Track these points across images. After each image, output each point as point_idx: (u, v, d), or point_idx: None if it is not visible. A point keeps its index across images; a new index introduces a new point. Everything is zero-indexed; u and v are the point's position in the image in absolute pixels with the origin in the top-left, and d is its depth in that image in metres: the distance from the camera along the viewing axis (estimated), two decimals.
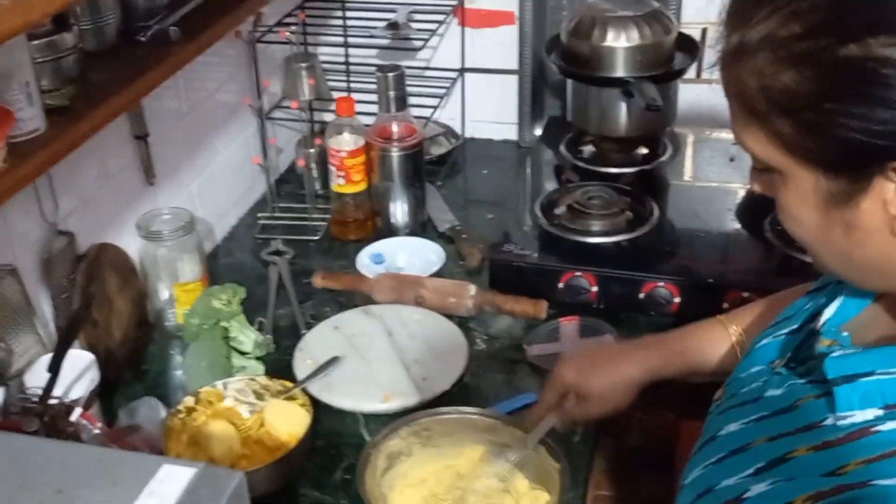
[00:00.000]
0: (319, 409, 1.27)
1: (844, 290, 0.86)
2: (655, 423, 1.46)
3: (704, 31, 1.84)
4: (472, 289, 1.49)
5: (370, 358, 1.38)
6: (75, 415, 1.04)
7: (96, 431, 1.06)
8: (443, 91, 1.96)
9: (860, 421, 0.74)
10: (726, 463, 0.83)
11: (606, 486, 1.36)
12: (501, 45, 1.94)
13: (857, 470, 0.71)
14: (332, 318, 1.48)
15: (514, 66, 1.93)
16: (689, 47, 1.70)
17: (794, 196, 0.76)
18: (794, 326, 0.91)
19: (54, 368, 1.07)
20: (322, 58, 1.92)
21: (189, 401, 1.23)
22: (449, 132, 2.03)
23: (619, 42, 1.60)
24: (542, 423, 1.15)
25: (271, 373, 1.34)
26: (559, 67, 1.69)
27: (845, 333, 0.82)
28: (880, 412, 0.73)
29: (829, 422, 0.76)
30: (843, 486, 0.70)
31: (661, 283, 1.42)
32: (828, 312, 0.85)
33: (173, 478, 0.77)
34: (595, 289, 1.46)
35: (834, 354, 0.78)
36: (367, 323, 1.46)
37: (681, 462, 1.48)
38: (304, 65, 1.77)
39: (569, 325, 1.43)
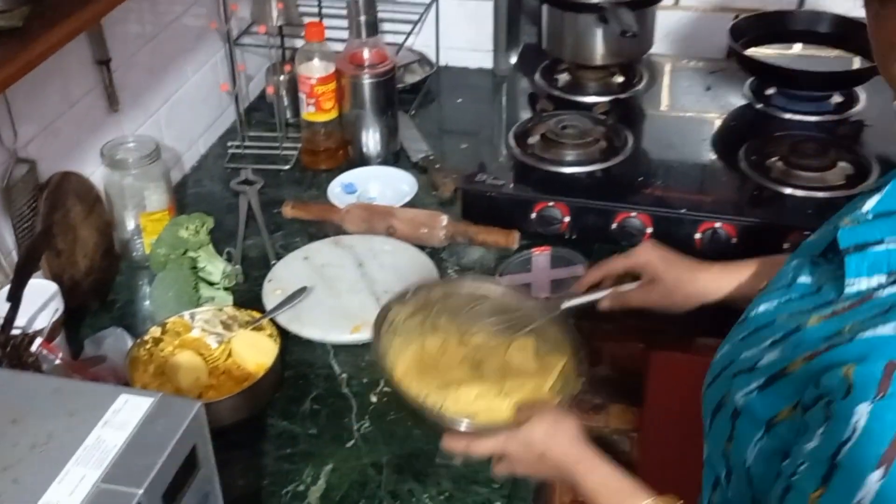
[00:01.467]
0: (288, 339, 1.26)
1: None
2: (625, 352, 1.46)
3: None
4: (444, 219, 1.47)
5: (340, 288, 1.37)
6: (35, 345, 1.02)
7: (57, 362, 1.04)
8: (416, 17, 1.91)
9: (865, 288, 0.79)
10: (749, 339, 0.90)
11: (577, 417, 1.36)
12: None
13: (852, 329, 0.76)
14: (303, 248, 1.46)
15: None
16: None
17: None
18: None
19: (14, 297, 1.05)
20: None
21: (156, 331, 1.21)
22: (423, 60, 1.99)
23: None
24: (584, 296, 1.19)
25: (240, 303, 1.33)
26: None
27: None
28: (884, 279, 0.78)
29: (840, 294, 0.81)
30: (834, 343, 0.76)
31: (634, 214, 1.41)
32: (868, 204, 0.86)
33: (130, 408, 0.77)
34: (567, 219, 1.44)
35: (846, 226, 0.82)
36: (338, 253, 1.44)
37: (650, 392, 1.49)
38: None
39: (540, 255, 1.42)
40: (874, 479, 0.69)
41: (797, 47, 1.75)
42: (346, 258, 1.43)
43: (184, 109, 1.67)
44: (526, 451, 1.01)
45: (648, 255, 1.19)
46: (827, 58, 1.72)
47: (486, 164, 1.55)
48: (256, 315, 1.25)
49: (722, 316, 1.37)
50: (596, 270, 1.23)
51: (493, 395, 1.09)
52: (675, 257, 1.19)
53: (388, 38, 1.93)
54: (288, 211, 1.54)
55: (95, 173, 1.42)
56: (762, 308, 0.93)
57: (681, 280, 1.17)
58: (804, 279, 0.91)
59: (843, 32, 1.69)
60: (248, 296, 1.37)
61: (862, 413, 0.70)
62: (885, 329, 0.73)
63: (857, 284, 0.80)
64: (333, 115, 1.65)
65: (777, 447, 0.82)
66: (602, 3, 1.56)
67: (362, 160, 1.68)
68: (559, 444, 1.00)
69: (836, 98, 1.62)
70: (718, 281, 1.16)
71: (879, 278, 0.79)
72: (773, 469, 0.81)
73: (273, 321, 1.25)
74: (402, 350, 1.14)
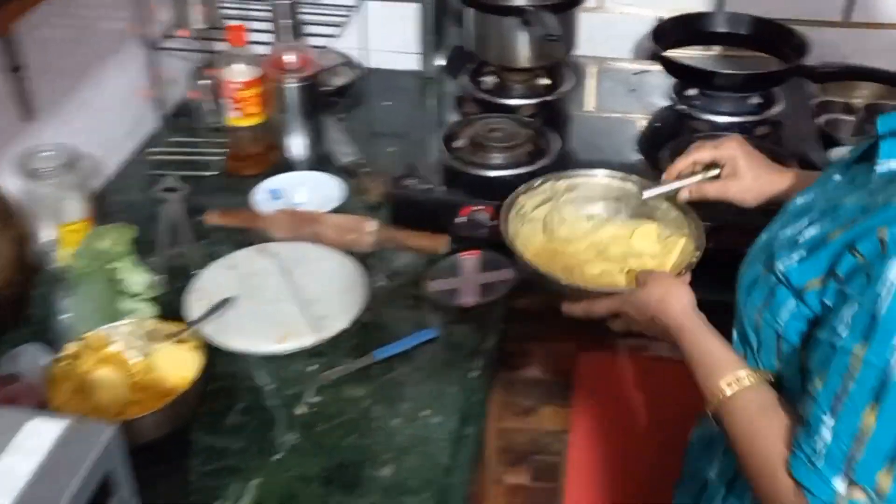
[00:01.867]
0: (213, 351, 1.24)
1: None
2: (555, 353, 1.47)
3: None
4: (372, 224, 1.46)
5: (266, 298, 1.35)
6: None
7: None
8: (343, 20, 1.89)
9: (895, 168, 0.89)
10: (789, 223, 0.99)
11: (507, 419, 1.37)
12: None
13: (885, 198, 0.85)
14: (228, 256, 1.44)
15: None
16: None
17: None
18: None
19: None
20: None
21: (74, 346, 1.18)
22: (350, 62, 1.97)
23: None
24: (668, 185, 1.25)
25: (163, 315, 1.30)
26: None
27: None
28: None
29: (874, 175, 0.91)
30: (869, 211, 0.86)
31: None
32: None
33: (41, 433, 0.74)
34: (495, 222, 1.44)
35: (884, 114, 0.92)
36: (264, 261, 1.42)
37: (580, 392, 1.50)
38: None
39: (469, 259, 1.42)
40: None
41: (718, 48, 1.78)
42: (271, 266, 1.41)
43: (104, 116, 1.63)
44: (639, 313, 1.11)
45: (735, 149, 1.23)
46: (747, 58, 1.75)
47: (415, 167, 1.54)
48: (179, 327, 1.23)
49: None
50: (684, 158, 1.26)
51: (615, 273, 1.22)
52: (757, 154, 1.24)
53: (315, 41, 1.91)
54: (212, 219, 1.52)
55: (11, 184, 1.38)
56: (800, 200, 1.03)
57: (760, 178, 1.21)
58: (838, 177, 1.00)
59: (761, 34, 1.73)
60: (171, 307, 1.34)
61: (894, 269, 0.79)
62: None
63: (888, 164, 0.89)
64: (259, 119, 1.63)
65: (806, 314, 0.92)
66: (525, 7, 1.56)
67: (289, 165, 1.66)
68: (670, 309, 1.07)
69: (756, 99, 1.65)
70: (791, 185, 1.20)
71: None
72: (800, 333, 0.91)
73: (197, 333, 1.23)
74: (530, 237, 1.29)
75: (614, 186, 1.34)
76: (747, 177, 1.21)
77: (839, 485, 0.83)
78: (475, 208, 1.45)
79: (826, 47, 1.79)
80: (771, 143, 1.51)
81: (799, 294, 0.92)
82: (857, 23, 1.80)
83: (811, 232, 0.94)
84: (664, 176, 1.27)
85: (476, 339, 1.31)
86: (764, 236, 1.04)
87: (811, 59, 1.63)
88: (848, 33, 1.81)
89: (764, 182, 1.21)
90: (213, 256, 1.45)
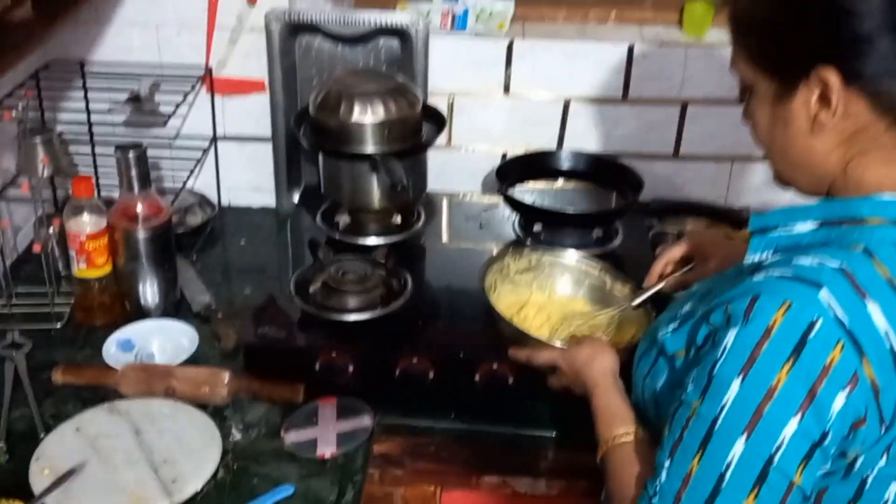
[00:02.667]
0: None
1: None
2: (418, 496, 1.47)
3: (452, 100, 1.90)
4: (226, 376, 1.44)
5: (115, 461, 1.31)
6: None
7: None
8: (195, 161, 1.90)
9: (757, 260, 1.02)
10: (674, 304, 1.20)
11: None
12: (254, 113, 1.91)
13: (741, 281, 0.98)
14: (75, 417, 1.39)
15: (268, 133, 1.90)
16: (437, 118, 1.75)
17: (758, 104, 1.01)
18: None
19: None
20: (64, 128, 1.83)
21: None
22: (204, 201, 1.97)
23: (366, 118, 1.61)
24: (653, 288, 1.43)
25: (3, 489, 1.23)
26: (307, 142, 1.68)
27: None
28: (770, 254, 1.02)
29: (743, 266, 1.04)
30: (727, 291, 0.99)
31: (415, 359, 1.44)
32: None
33: None
34: (351, 368, 1.45)
35: (755, 214, 1.05)
36: (113, 421, 1.38)
37: None
38: (39, 139, 1.66)
39: (326, 407, 1.42)
40: (736, 384, 0.91)
41: (562, 182, 1.87)
42: (121, 426, 1.37)
43: None
44: (569, 367, 1.29)
45: (696, 239, 1.43)
46: (589, 192, 1.85)
47: (269, 314, 1.54)
48: None
49: (506, 454, 1.43)
50: (659, 261, 1.45)
51: (561, 332, 1.43)
52: (713, 233, 1.46)
53: (168, 183, 1.91)
54: (59, 377, 1.47)
55: None
56: (694, 287, 1.22)
57: (728, 255, 1.34)
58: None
59: (600, 170, 1.83)
60: (14, 478, 1.28)
61: (731, 336, 0.93)
62: (758, 277, 0.95)
63: (752, 258, 1.03)
64: (107, 269, 1.60)
65: (674, 381, 1.06)
66: (374, 155, 1.61)
67: (141, 313, 1.63)
68: (593, 369, 1.25)
69: (597, 232, 1.74)
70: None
71: (769, 254, 1.02)
72: (672, 398, 1.01)
73: None
74: (508, 294, 1.53)
75: (594, 272, 1.56)
76: (716, 256, 1.38)
77: None
78: (332, 354, 1.45)
79: (660, 178, 1.91)
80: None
81: (671, 360, 1.08)
82: (686, 156, 1.94)
83: (685, 308, 1.11)
84: (646, 282, 1.45)
85: (335, 492, 1.29)
86: (656, 320, 1.21)
87: (647, 191, 1.74)
88: (679, 166, 1.94)
89: (731, 254, 1.34)
90: (59, 417, 1.40)
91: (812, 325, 0.89)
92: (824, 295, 0.90)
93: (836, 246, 0.95)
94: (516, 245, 1.69)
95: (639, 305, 1.44)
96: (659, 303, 1.42)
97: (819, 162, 0.99)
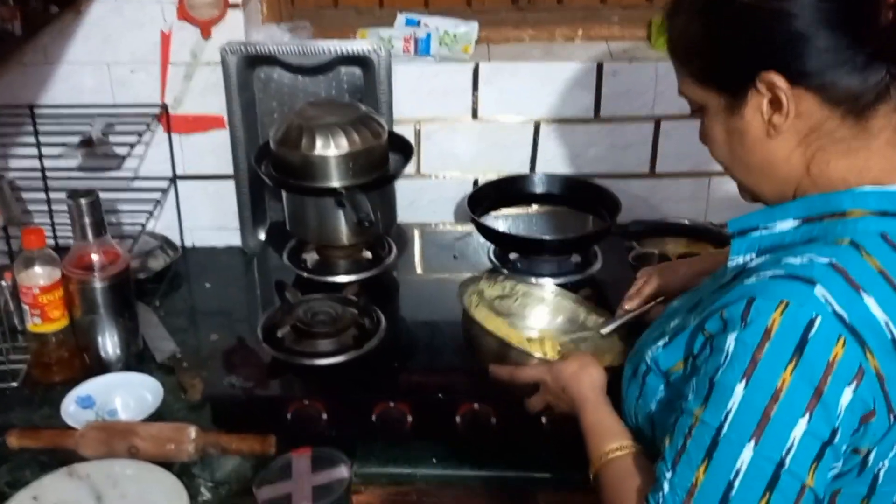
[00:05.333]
0: None
1: None
2: None
3: (419, 127, 1.84)
4: (193, 431, 1.36)
5: None
6: None
7: None
8: (154, 202, 1.82)
9: (741, 262, 1.02)
10: (657, 323, 1.18)
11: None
12: (214, 150, 1.84)
13: (731, 286, 0.98)
14: (32, 484, 1.30)
15: (230, 170, 1.83)
16: (404, 147, 1.68)
17: (712, 121, 1.01)
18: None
19: None
20: (16, 175, 1.75)
21: None
22: (166, 244, 1.89)
23: (329, 150, 1.54)
24: (625, 317, 1.42)
25: None
26: (269, 178, 1.61)
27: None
28: (754, 255, 1.01)
29: (727, 270, 1.04)
30: (718, 297, 0.98)
31: (392, 404, 1.37)
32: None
33: None
34: (325, 416, 1.38)
35: (734, 218, 1.04)
36: (73, 487, 1.30)
37: None
38: None
39: (300, 459, 1.34)
40: (740, 389, 0.89)
41: (536, 207, 1.81)
42: (82, 492, 1.29)
43: None
44: (554, 382, 1.23)
45: (659, 279, 1.42)
46: (565, 216, 1.79)
47: (236, 362, 1.47)
48: None
49: (492, 499, 1.36)
50: (635, 299, 1.43)
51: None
52: (677, 265, 1.46)
53: (127, 227, 1.83)
54: (13, 441, 1.38)
55: None
56: (675, 304, 1.19)
57: (692, 286, 1.29)
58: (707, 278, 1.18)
59: (575, 193, 1.78)
60: None
61: (731, 341, 0.91)
62: (749, 280, 0.94)
63: (736, 260, 1.02)
64: (63, 323, 1.52)
65: (672, 396, 1.03)
66: (339, 189, 1.54)
67: (101, 367, 1.54)
68: (581, 383, 1.20)
69: (575, 258, 1.68)
70: (711, 264, 1.33)
71: (752, 255, 1.01)
72: (670, 415, 0.99)
73: None
74: (486, 317, 1.43)
75: (567, 303, 1.52)
76: (680, 290, 1.32)
77: None
78: (304, 402, 1.38)
79: (637, 198, 1.86)
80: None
81: (667, 377, 1.06)
82: (662, 173, 1.88)
83: (674, 323, 1.09)
84: (618, 312, 1.44)
85: None
86: (639, 341, 1.18)
87: (625, 212, 1.68)
88: (655, 183, 1.89)
89: (696, 272, 1.38)
90: (15, 485, 1.31)
91: (811, 322, 0.88)
92: (819, 291, 0.89)
93: (822, 242, 0.95)
94: (491, 272, 1.63)
95: (609, 334, 1.42)
96: (631, 333, 1.39)
97: (781, 166, 0.98)
